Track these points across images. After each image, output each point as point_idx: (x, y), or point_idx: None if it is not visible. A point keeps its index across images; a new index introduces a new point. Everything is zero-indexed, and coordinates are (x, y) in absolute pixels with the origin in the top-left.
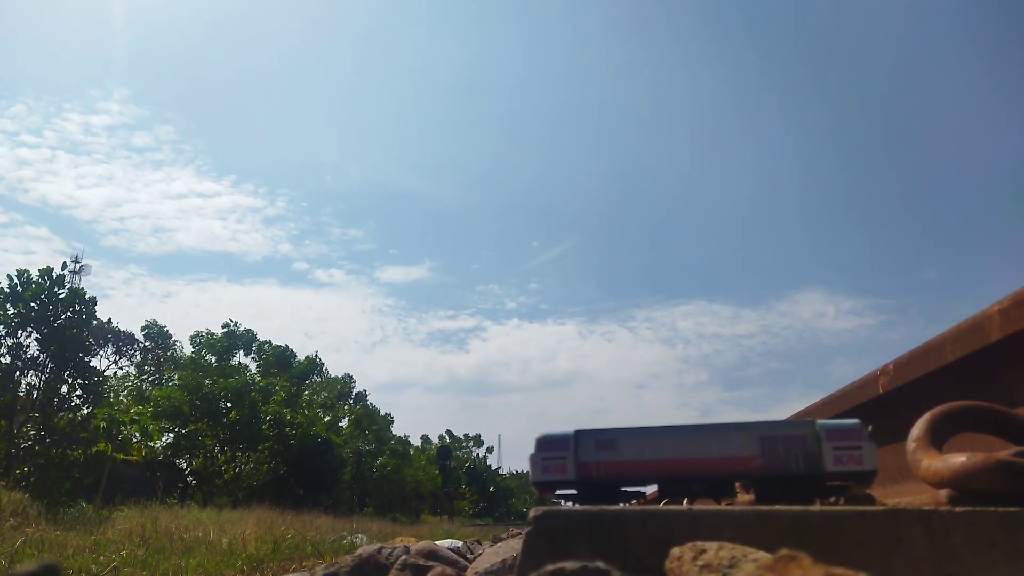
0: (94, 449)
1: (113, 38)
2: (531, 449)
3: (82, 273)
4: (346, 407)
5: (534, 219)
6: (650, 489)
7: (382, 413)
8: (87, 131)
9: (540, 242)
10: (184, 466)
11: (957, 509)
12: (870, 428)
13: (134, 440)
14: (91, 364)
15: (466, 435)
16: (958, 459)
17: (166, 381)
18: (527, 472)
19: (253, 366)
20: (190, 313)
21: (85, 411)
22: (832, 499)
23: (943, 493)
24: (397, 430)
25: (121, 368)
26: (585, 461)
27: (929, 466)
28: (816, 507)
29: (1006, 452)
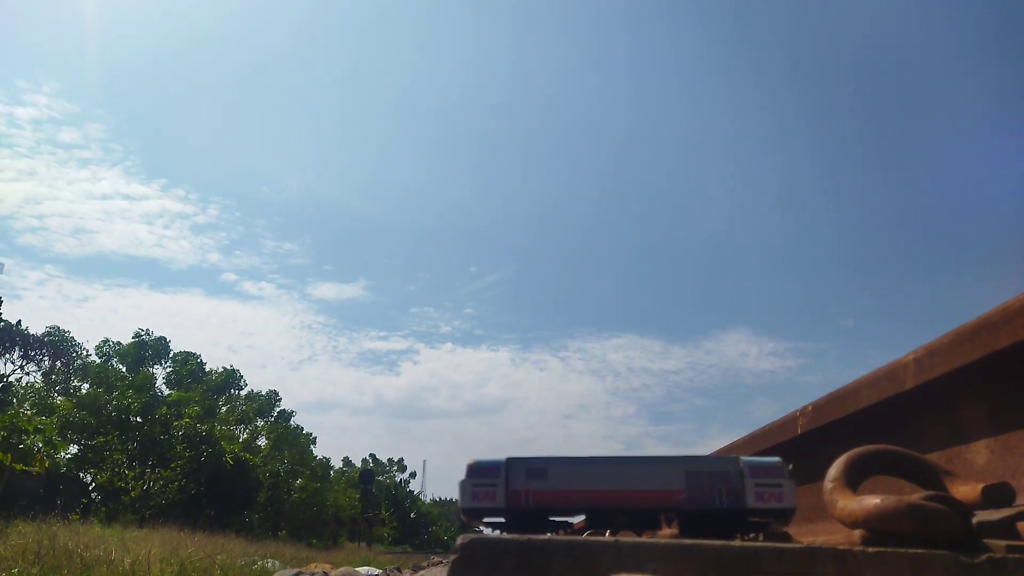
0: None
1: (46, 29)
2: (458, 476)
3: None
4: (265, 425)
5: (474, 244)
6: (577, 519)
7: (305, 432)
8: (10, 123)
9: (479, 267)
10: (89, 480)
11: (870, 549)
12: (790, 467)
13: (36, 450)
14: None
15: (390, 459)
16: (872, 501)
17: (74, 390)
18: (451, 499)
19: (162, 376)
20: (106, 319)
21: None
22: (752, 535)
23: (857, 533)
24: (319, 451)
25: (28, 374)
26: (515, 489)
27: (844, 507)
28: (737, 542)
29: (917, 496)
